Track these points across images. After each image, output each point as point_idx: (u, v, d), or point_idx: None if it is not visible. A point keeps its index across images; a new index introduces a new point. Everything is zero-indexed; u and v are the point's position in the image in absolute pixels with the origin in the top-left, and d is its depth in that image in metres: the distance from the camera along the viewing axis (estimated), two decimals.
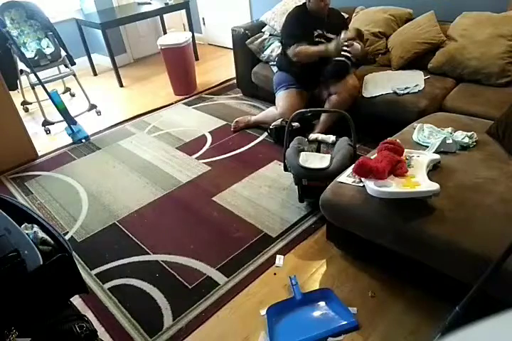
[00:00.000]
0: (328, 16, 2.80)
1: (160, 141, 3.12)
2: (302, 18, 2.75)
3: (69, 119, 3.26)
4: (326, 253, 1.99)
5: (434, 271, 1.52)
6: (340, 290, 1.78)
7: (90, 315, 1.74)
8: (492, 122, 2.00)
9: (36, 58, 3.37)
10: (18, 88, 3.56)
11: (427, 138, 1.94)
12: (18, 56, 3.27)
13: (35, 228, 1.15)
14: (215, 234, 2.16)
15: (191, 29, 4.59)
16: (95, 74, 4.64)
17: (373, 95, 2.65)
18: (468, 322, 0.40)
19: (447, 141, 1.84)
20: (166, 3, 4.42)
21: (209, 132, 3.19)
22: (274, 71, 3.14)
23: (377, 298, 1.73)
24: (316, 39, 2.75)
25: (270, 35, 3.39)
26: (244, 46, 3.38)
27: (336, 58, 2.72)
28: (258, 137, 3.06)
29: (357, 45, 2.67)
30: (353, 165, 1.68)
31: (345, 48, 2.64)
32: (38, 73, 3.23)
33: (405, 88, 2.60)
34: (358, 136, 2.22)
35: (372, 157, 1.75)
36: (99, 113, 3.68)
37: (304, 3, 2.79)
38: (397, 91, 2.58)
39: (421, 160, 1.69)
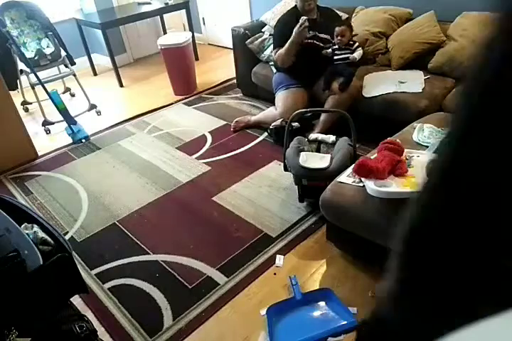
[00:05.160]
0: (321, 16, 2.80)
1: (160, 141, 3.12)
2: (291, 21, 2.72)
3: (69, 119, 3.26)
4: (326, 253, 1.99)
5: None
6: (340, 290, 1.77)
7: (90, 315, 1.74)
8: None
9: (36, 58, 3.37)
10: (18, 88, 3.55)
11: (427, 138, 1.94)
12: (18, 56, 3.26)
13: (35, 228, 1.15)
14: (215, 234, 2.16)
15: (191, 29, 4.59)
16: (95, 74, 4.64)
17: (373, 95, 2.65)
18: None
19: None
20: (166, 3, 4.42)
21: (209, 132, 3.19)
22: (274, 71, 3.14)
23: None
24: (309, 40, 2.74)
25: (270, 35, 3.39)
26: (244, 46, 3.38)
27: (338, 62, 2.73)
28: (258, 137, 3.06)
29: (355, 56, 2.70)
30: (353, 165, 1.68)
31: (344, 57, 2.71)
32: (38, 73, 3.23)
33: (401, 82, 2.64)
34: (358, 135, 2.22)
35: (372, 157, 1.75)
36: (99, 113, 3.68)
37: (296, 5, 2.79)
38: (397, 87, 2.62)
39: (421, 160, 1.69)
